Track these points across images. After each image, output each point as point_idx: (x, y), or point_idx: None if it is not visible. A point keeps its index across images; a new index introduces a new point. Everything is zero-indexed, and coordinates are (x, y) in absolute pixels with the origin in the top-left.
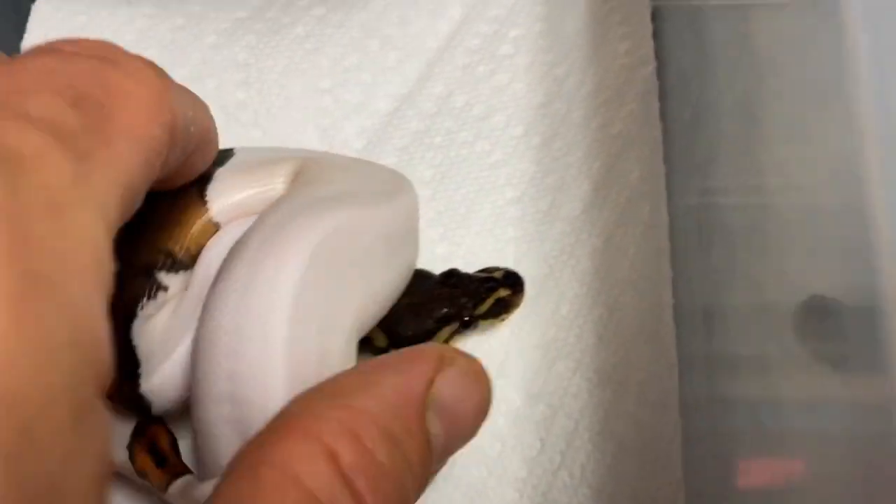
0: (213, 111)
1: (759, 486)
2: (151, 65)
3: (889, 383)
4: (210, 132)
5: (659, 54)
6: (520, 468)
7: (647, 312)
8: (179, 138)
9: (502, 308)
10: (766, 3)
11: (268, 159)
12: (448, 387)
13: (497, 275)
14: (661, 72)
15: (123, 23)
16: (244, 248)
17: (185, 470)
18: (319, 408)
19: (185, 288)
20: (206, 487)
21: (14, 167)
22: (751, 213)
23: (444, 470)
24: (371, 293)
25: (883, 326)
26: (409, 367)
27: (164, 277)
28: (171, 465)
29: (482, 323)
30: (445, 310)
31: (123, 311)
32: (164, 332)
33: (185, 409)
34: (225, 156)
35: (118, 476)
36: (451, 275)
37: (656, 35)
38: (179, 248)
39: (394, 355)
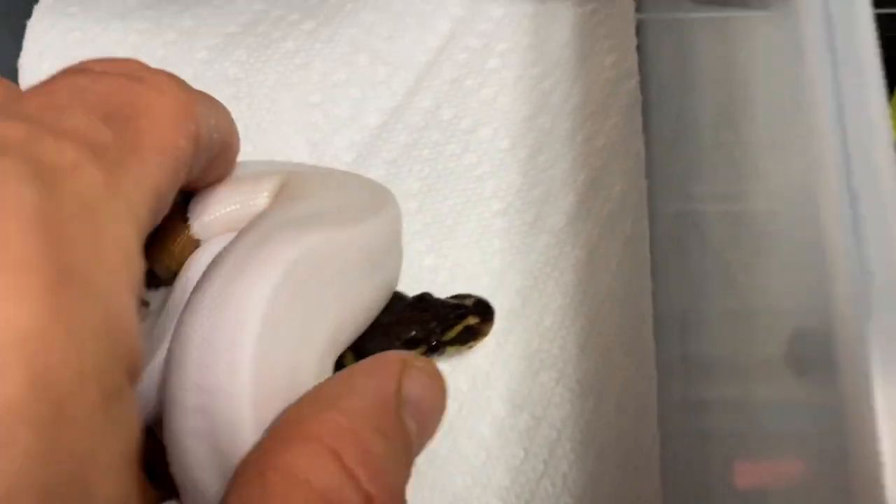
0: None
1: (737, 492)
2: (175, 78)
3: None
4: (232, 137)
5: (641, 67)
6: (504, 477)
7: (627, 324)
8: (203, 146)
9: (470, 336)
10: (747, 15)
11: (252, 174)
12: (414, 386)
13: (468, 302)
14: (643, 85)
15: (116, 39)
16: (219, 264)
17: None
18: (315, 413)
19: (166, 303)
20: None
21: (51, 177)
22: (729, 224)
23: (430, 478)
24: (348, 311)
25: (836, 340)
26: (379, 371)
27: (144, 293)
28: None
29: (449, 349)
30: (414, 333)
31: None
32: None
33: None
34: None
35: None
36: (423, 299)
37: (639, 48)
38: (159, 266)
39: (364, 363)
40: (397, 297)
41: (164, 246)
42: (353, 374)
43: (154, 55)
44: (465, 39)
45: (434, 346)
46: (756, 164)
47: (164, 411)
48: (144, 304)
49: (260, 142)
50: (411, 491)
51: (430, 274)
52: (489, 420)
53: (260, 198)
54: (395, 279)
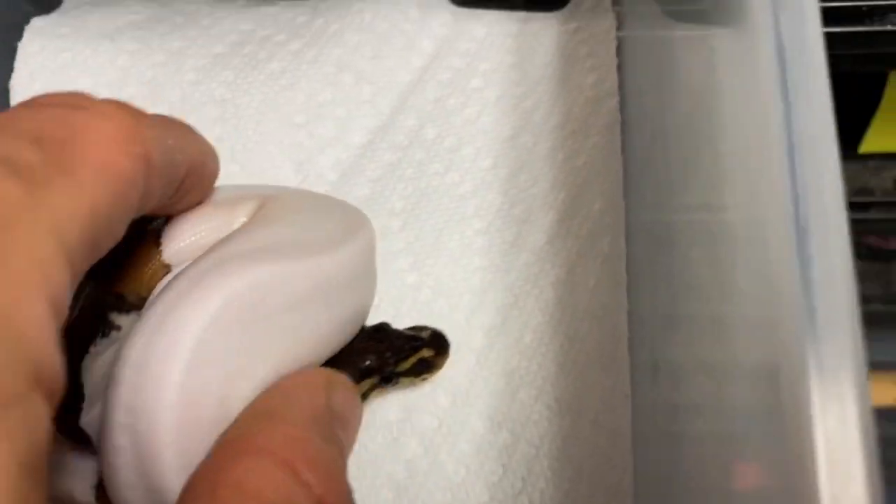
0: None
1: None
2: (124, 105)
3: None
4: (204, 160)
5: (620, 86)
6: (482, 493)
7: (604, 342)
8: (159, 168)
9: (424, 368)
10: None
11: (230, 199)
12: (339, 400)
13: (424, 334)
14: (621, 103)
15: (106, 60)
16: (167, 290)
17: None
18: (260, 425)
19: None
20: None
21: None
22: (701, 240)
23: (411, 493)
24: (301, 343)
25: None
26: (308, 386)
27: (115, 317)
28: None
29: (403, 380)
30: (368, 362)
31: (78, 346)
32: (107, 369)
33: None
34: None
35: None
36: (380, 329)
37: (618, 67)
38: (130, 292)
39: (291, 379)
40: None
41: (136, 271)
42: (284, 388)
43: (143, 76)
44: (448, 59)
45: (387, 377)
46: (723, 185)
47: (101, 429)
48: (116, 328)
49: (246, 162)
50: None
51: (412, 291)
52: (469, 436)
53: (235, 223)
54: (364, 309)
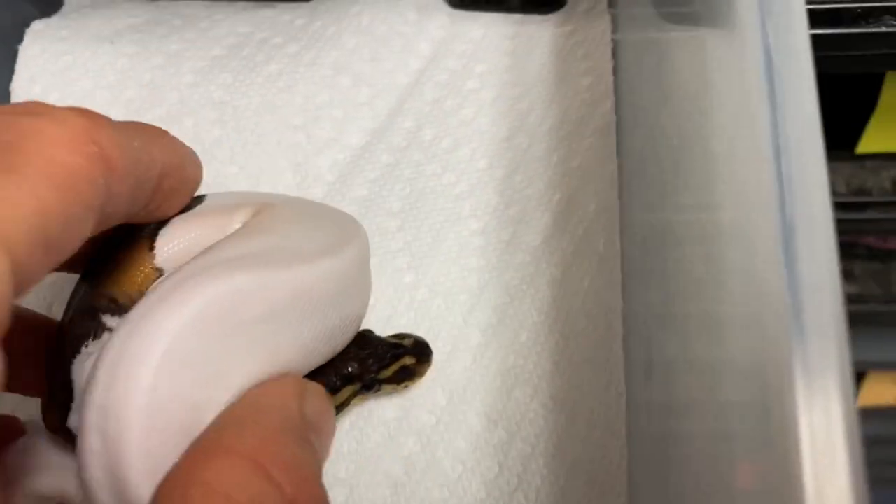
0: None
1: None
2: (81, 109)
3: None
4: (178, 166)
5: (615, 88)
6: (479, 489)
7: (599, 341)
8: (122, 169)
9: (405, 376)
10: (714, 35)
11: (226, 206)
12: (311, 407)
13: (407, 342)
14: (616, 105)
15: (106, 63)
16: (150, 293)
17: None
18: (232, 429)
19: None
20: None
21: None
22: (693, 238)
23: (408, 490)
24: (283, 352)
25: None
26: (280, 393)
27: (108, 319)
28: None
29: (385, 387)
30: (350, 369)
31: (70, 347)
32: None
33: None
34: (193, 202)
35: None
36: (363, 336)
37: (614, 69)
38: (122, 294)
39: (262, 387)
40: None
41: (129, 274)
42: (256, 396)
43: (142, 79)
44: (445, 61)
45: (369, 384)
46: (713, 185)
47: (78, 428)
48: (107, 329)
49: (245, 163)
50: (389, 501)
51: (409, 291)
52: (465, 434)
53: (230, 230)
54: (355, 320)
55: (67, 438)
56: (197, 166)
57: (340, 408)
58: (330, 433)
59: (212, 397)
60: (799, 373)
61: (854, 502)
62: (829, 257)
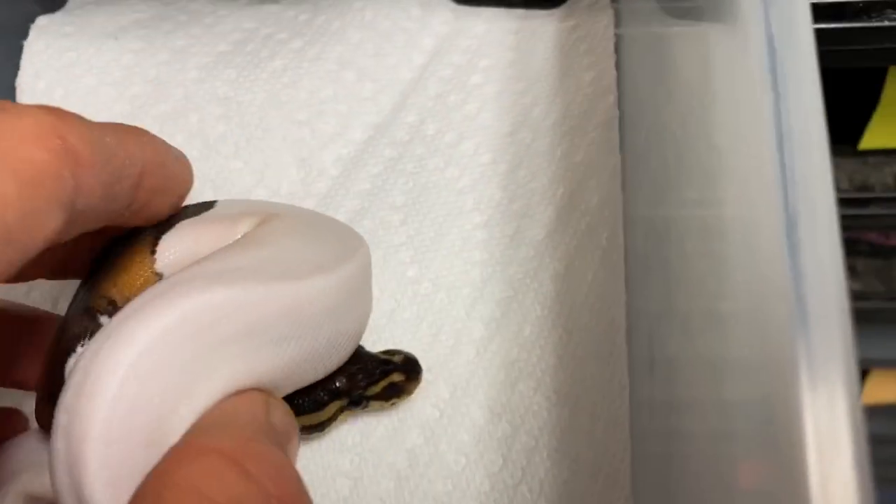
0: (196, 144)
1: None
2: (48, 107)
3: None
4: (160, 163)
5: (618, 82)
6: (483, 482)
7: (602, 334)
8: (91, 164)
9: (394, 392)
10: (717, 28)
11: (232, 213)
12: (276, 416)
13: (397, 359)
14: (619, 99)
15: (111, 58)
16: (134, 301)
17: None
18: (208, 432)
19: None
20: None
21: None
22: (696, 232)
23: (412, 483)
24: (262, 368)
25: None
26: (248, 402)
27: (104, 321)
28: None
29: (373, 404)
30: (338, 384)
31: (66, 345)
32: None
33: None
34: (201, 208)
35: None
36: (354, 351)
37: (616, 64)
38: (120, 297)
39: (233, 398)
40: None
41: (129, 277)
42: (225, 404)
43: (147, 74)
44: (449, 56)
45: (357, 400)
46: (716, 179)
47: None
48: None
49: (250, 159)
50: (393, 494)
51: (412, 285)
52: (469, 427)
53: (232, 238)
54: (352, 336)
55: None
56: (183, 165)
57: (327, 423)
58: (296, 447)
59: (181, 410)
60: (803, 367)
61: (859, 497)
62: (832, 252)
